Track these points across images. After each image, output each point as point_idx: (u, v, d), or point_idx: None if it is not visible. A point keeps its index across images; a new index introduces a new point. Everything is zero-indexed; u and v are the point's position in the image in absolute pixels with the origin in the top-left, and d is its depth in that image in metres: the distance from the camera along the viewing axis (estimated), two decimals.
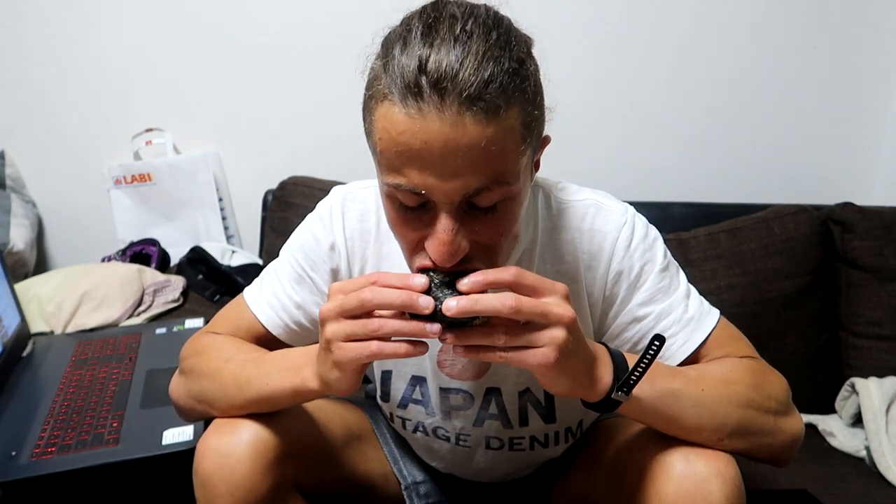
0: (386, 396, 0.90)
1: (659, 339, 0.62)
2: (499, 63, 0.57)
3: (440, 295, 0.60)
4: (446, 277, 0.61)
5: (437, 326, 0.59)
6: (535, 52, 0.65)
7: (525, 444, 0.89)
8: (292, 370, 0.70)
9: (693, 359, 0.77)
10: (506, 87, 0.57)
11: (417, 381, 0.86)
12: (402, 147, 0.58)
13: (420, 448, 0.95)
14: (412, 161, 0.58)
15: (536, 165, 0.71)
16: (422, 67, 0.56)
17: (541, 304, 0.59)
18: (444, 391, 0.84)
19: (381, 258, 0.82)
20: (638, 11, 1.55)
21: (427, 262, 0.64)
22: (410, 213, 0.63)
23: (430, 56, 0.56)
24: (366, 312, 0.61)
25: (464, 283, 0.59)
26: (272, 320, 0.83)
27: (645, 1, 1.54)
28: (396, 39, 0.59)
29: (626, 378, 0.63)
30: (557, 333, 0.59)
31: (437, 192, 0.59)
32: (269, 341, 0.84)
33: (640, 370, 0.63)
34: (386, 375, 0.88)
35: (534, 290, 0.60)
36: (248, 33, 1.58)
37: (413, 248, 0.66)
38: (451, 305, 0.58)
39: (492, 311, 0.58)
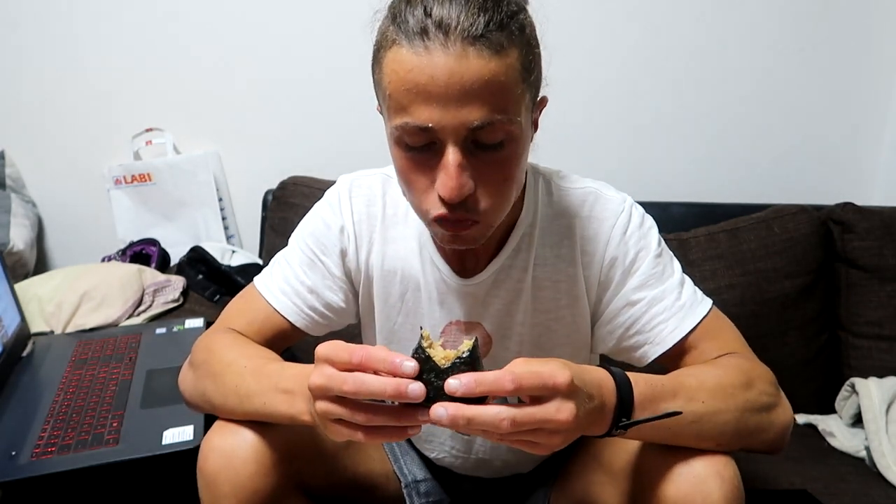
0: None
1: (675, 414, 0.64)
2: (498, 6, 0.62)
3: (435, 380, 0.57)
4: (441, 374, 0.57)
5: (427, 415, 0.57)
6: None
7: None
8: (287, 396, 0.69)
9: (682, 345, 0.79)
10: (506, 28, 0.62)
11: None
12: (410, 84, 0.61)
13: (420, 438, 0.95)
14: (419, 96, 0.61)
15: (535, 125, 0.73)
16: (427, 12, 0.61)
17: (539, 416, 0.57)
18: None
19: (387, 241, 0.84)
20: (638, 12, 1.55)
21: (440, 211, 0.66)
22: (418, 155, 0.65)
23: (433, 4, 0.61)
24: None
25: (455, 386, 0.56)
26: (287, 307, 0.84)
27: (644, 1, 1.54)
28: None
29: (627, 424, 0.63)
30: (555, 440, 0.59)
31: (444, 125, 0.62)
32: (285, 331, 0.85)
33: (641, 420, 0.64)
34: None
35: (534, 392, 0.57)
36: (248, 34, 1.58)
37: (422, 197, 0.67)
38: (441, 414, 0.55)
39: (487, 426, 0.55)
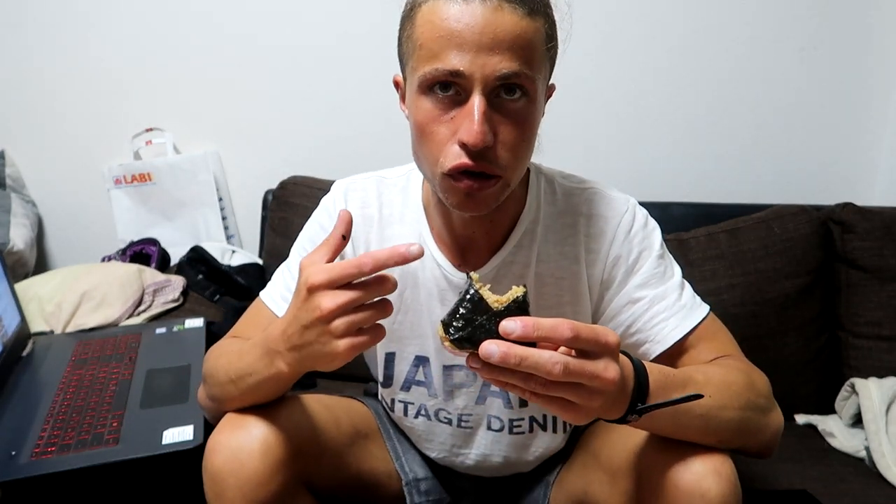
0: (388, 380, 0.91)
1: (697, 396, 0.63)
2: None
3: (486, 324, 0.55)
4: (494, 317, 0.55)
5: (417, 247, 0.62)
6: None
7: (524, 426, 0.90)
8: (267, 359, 0.71)
9: (681, 345, 0.79)
10: None
11: (420, 361, 0.88)
12: (445, 31, 0.65)
13: (420, 437, 0.96)
14: (451, 42, 0.64)
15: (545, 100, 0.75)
16: None
17: (589, 369, 0.55)
18: (446, 369, 0.87)
19: (384, 241, 0.86)
20: (638, 10, 1.55)
21: (461, 160, 0.66)
22: (441, 105, 0.67)
23: None
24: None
25: (511, 328, 0.54)
26: None
27: (644, 1, 1.54)
28: None
29: (644, 408, 0.63)
30: (595, 402, 0.57)
31: (473, 72, 0.64)
32: None
33: (661, 403, 0.63)
34: (389, 357, 0.90)
35: (587, 346, 0.56)
36: (248, 33, 1.58)
37: (441, 149, 0.68)
38: (492, 351, 0.53)
39: (539, 368, 0.54)
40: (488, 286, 0.59)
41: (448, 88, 0.66)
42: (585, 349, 0.56)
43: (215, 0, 1.56)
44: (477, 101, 0.65)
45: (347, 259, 0.63)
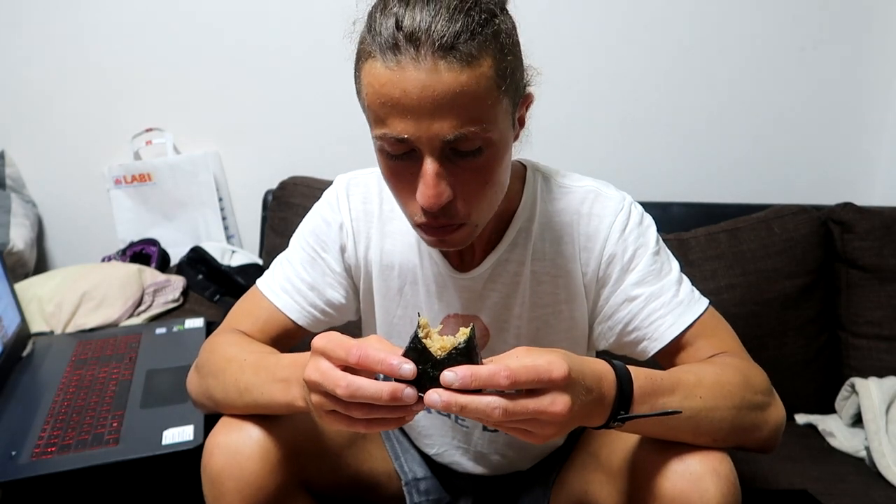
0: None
1: (675, 412, 0.64)
2: (469, 15, 0.61)
3: (430, 371, 0.57)
4: (438, 366, 0.57)
5: (421, 406, 0.58)
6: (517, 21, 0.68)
7: None
8: (283, 384, 0.70)
9: (679, 342, 0.79)
10: (477, 37, 0.61)
11: None
12: (385, 98, 0.62)
13: (419, 434, 0.96)
14: (394, 110, 0.62)
15: (521, 122, 0.73)
16: (398, 25, 0.61)
17: (532, 407, 0.57)
18: None
19: (385, 236, 0.86)
20: (638, 11, 1.55)
21: (422, 219, 0.68)
22: (399, 163, 0.66)
23: (405, 14, 0.61)
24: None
25: (451, 379, 0.56)
26: (288, 305, 0.86)
27: (645, 0, 1.54)
28: (378, 4, 0.65)
29: (625, 417, 0.64)
30: (548, 431, 0.59)
31: (419, 137, 0.62)
32: (289, 330, 0.86)
33: (639, 415, 0.64)
34: None
35: (531, 386, 0.57)
36: (248, 33, 1.58)
37: (406, 202, 0.69)
38: (435, 401, 0.55)
39: (479, 415, 0.56)
40: (438, 328, 0.60)
41: (403, 151, 0.65)
42: (531, 388, 0.57)
43: (215, 1, 1.56)
44: (428, 166, 0.64)
45: (339, 351, 0.59)
